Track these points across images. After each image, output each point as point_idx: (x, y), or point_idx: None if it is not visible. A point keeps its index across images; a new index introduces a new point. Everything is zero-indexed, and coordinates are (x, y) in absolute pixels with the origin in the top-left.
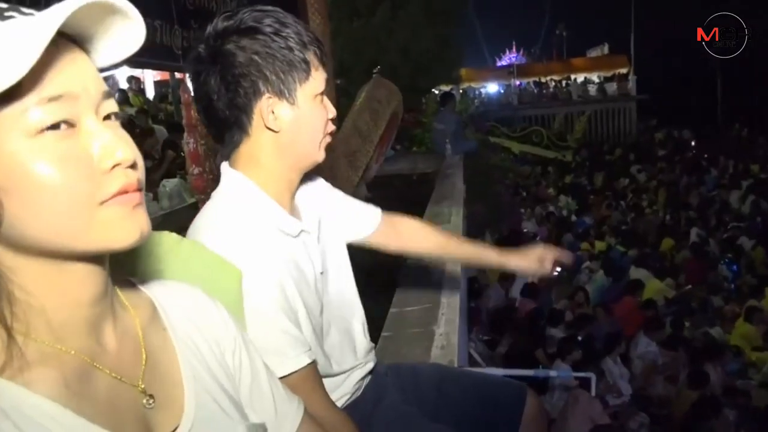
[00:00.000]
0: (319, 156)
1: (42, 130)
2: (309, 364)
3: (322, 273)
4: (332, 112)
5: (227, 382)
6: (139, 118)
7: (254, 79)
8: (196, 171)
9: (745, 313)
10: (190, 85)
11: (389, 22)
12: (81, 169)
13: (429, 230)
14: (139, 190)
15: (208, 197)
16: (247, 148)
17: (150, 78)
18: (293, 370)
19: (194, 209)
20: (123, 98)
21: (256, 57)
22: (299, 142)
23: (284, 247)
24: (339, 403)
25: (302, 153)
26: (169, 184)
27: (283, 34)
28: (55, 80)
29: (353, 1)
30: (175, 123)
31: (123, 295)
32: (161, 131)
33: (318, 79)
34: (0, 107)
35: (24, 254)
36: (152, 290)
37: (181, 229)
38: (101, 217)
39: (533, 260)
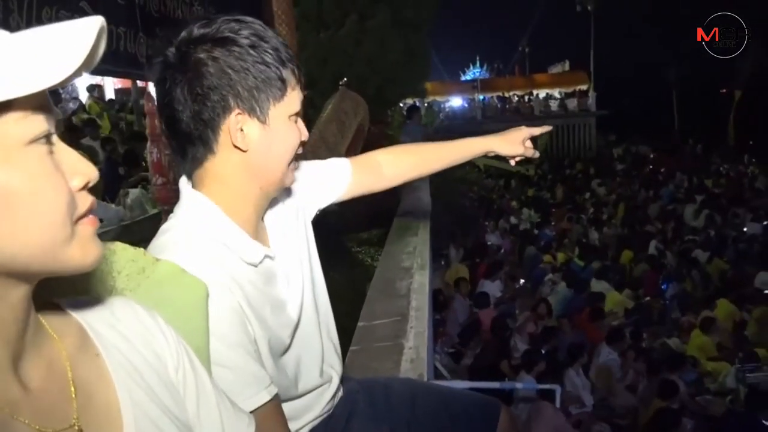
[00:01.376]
0: (288, 179)
1: (32, 141)
2: (269, 401)
3: (285, 297)
4: (304, 136)
5: (171, 401)
6: (89, 127)
7: (224, 93)
8: (159, 181)
9: (700, 324)
10: (154, 93)
11: (357, 34)
12: (62, 184)
13: (404, 154)
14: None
15: (171, 208)
16: (211, 166)
17: (110, 86)
18: (253, 408)
19: (156, 219)
20: (79, 106)
21: (229, 70)
22: (268, 163)
23: (244, 276)
24: (311, 424)
25: (270, 174)
26: (131, 194)
27: (261, 48)
28: (40, 93)
29: (320, 12)
30: (135, 132)
31: (47, 323)
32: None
33: (294, 99)
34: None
35: None
36: (81, 312)
37: (143, 240)
38: (78, 235)
39: (516, 143)
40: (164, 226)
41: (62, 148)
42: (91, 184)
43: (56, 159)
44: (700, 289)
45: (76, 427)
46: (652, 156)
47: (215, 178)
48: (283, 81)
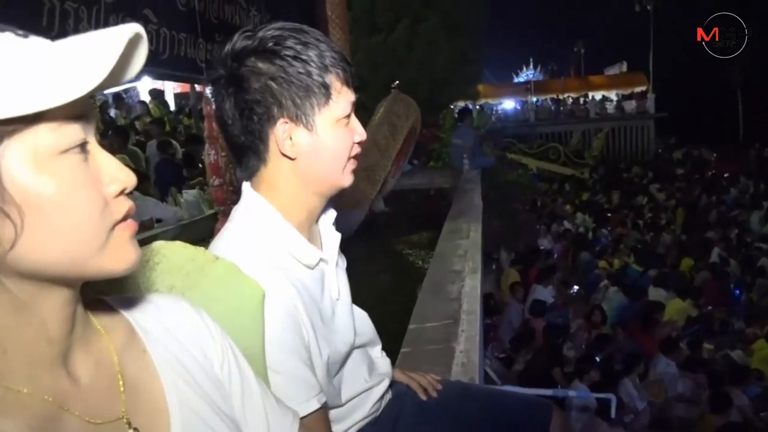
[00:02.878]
0: (344, 181)
1: (66, 150)
2: (318, 409)
3: (338, 299)
4: (360, 135)
5: (217, 396)
6: (152, 129)
7: (268, 105)
8: (216, 182)
9: (766, 335)
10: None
11: (408, 37)
12: (97, 192)
13: None
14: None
15: (228, 208)
16: (265, 174)
17: (170, 90)
18: (302, 416)
19: (213, 220)
20: (144, 110)
21: (271, 82)
22: (319, 168)
23: (300, 279)
24: (358, 425)
25: (323, 179)
26: (188, 195)
27: (303, 57)
28: (78, 100)
29: (373, 16)
30: (193, 135)
31: (96, 320)
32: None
33: (340, 102)
34: (32, 125)
35: (5, 282)
36: (129, 309)
37: (199, 240)
38: (112, 241)
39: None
40: (225, 227)
41: (99, 155)
42: (128, 191)
43: (92, 167)
44: (766, 300)
45: (125, 420)
46: (714, 159)
47: (270, 184)
48: (326, 87)
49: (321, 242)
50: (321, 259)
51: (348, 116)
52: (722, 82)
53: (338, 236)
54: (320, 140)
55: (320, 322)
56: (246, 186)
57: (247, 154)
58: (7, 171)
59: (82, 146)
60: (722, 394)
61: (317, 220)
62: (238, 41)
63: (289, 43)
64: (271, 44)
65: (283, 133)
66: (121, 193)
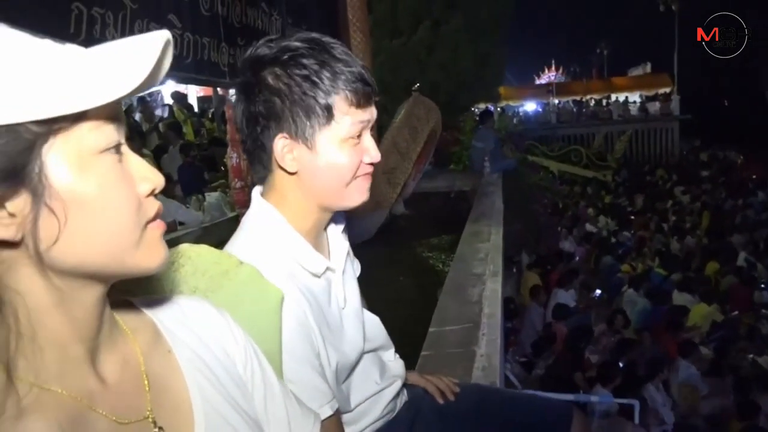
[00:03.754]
0: (348, 201)
1: (104, 150)
2: (332, 415)
3: (344, 308)
4: (371, 157)
5: (240, 396)
6: (170, 134)
7: (269, 119)
8: (238, 185)
9: None
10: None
11: (430, 39)
12: (132, 191)
13: None
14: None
15: None
16: (271, 181)
17: (193, 93)
18: None
19: (235, 222)
20: (169, 113)
21: (275, 98)
22: (320, 185)
23: (308, 286)
24: (372, 427)
25: (325, 196)
26: (210, 198)
27: (314, 78)
28: (113, 103)
29: (395, 19)
30: (215, 138)
31: (122, 320)
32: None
33: (345, 123)
34: (75, 124)
35: (48, 278)
36: (154, 310)
37: (221, 243)
38: (145, 239)
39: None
40: (235, 235)
41: (131, 156)
42: (157, 191)
43: (125, 167)
44: None
45: (150, 419)
46: (740, 161)
47: (277, 192)
48: (329, 109)
49: (329, 250)
50: (328, 268)
51: (358, 136)
52: (749, 83)
53: (347, 245)
54: (320, 158)
55: (327, 330)
56: (255, 192)
57: (254, 160)
58: (52, 168)
59: (117, 147)
60: (750, 402)
61: (326, 228)
62: (258, 49)
63: (305, 61)
64: (286, 58)
65: (282, 148)
66: (152, 192)
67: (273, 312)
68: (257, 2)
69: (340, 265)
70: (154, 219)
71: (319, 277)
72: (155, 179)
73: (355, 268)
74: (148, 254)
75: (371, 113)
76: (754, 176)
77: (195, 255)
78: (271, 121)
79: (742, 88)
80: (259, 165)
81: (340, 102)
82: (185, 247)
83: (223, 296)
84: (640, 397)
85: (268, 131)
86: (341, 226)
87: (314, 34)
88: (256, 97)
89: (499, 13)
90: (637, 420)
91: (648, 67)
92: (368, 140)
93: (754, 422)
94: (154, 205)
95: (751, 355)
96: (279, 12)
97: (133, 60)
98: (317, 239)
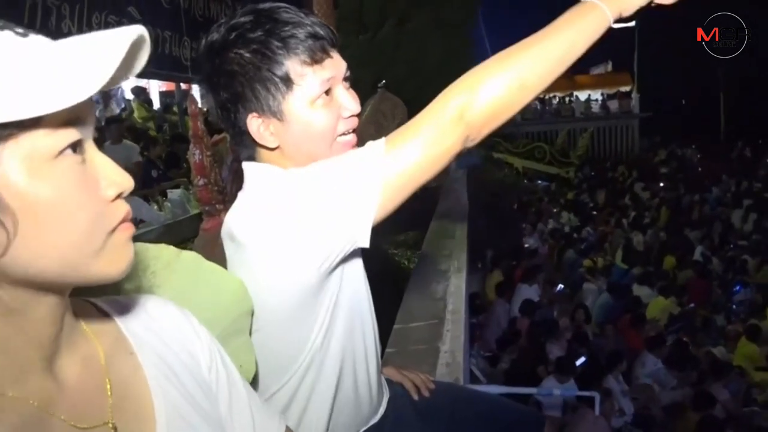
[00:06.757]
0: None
1: (60, 153)
2: None
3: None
4: (348, 110)
5: (204, 399)
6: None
7: (236, 102)
8: (201, 182)
9: (746, 332)
10: (196, 95)
11: (396, 36)
12: (94, 195)
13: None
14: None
15: (212, 208)
16: (260, 159)
17: (155, 88)
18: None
19: (198, 220)
20: (129, 109)
21: (234, 81)
22: (305, 152)
23: None
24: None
25: (313, 157)
26: (173, 195)
27: (263, 50)
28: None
29: (361, 15)
30: (178, 134)
31: (84, 323)
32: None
33: (307, 84)
34: (29, 129)
35: (1, 290)
36: (117, 312)
37: (184, 240)
38: (109, 246)
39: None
40: (240, 199)
41: (96, 157)
42: (125, 194)
43: (88, 169)
44: (749, 297)
45: (110, 425)
46: (698, 159)
47: (269, 163)
48: (285, 76)
49: None
50: None
51: (327, 92)
52: (705, 82)
53: None
54: (296, 126)
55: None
56: (247, 164)
57: (239, 144)
58: (1, 176)
59: (78, 147)
60: (705, 393)
61: None
62: (209, 37)
63: (251, 35)
64: (233, 38)
65: (258, 127)
66: (119, 196)
67: (225, 293)
68: None
69: None
70: (122, 222)
71: None
72: (123, 182)
73: None
74: (111, 261)
75: (335, 67)
76: (708, 173)
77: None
78: (238, 104)
79: (698, 88)
80: (245, 148)
81: (294, 65)
82: None
83: (169, 289)
84: (600, 389)
85: (239, 115)
86: None
87: (260, 5)
88: (218, 85)
89: (466, 10)
90: (597, 411)
91: (609, 66)
92: (341, 94)
93: (710, 413)
94: (121, 209)
95: (707, 347)
96: (243, 6)
97: (97, 60)
98: None
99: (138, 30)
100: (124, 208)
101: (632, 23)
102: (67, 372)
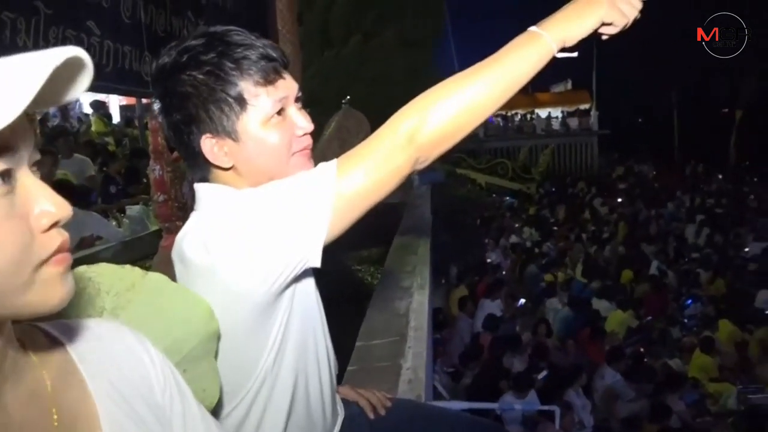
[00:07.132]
0: (293, 172)
1: None
2: None
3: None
4: (302, 128)
5: (156, 425)
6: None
7: (189, 123)
8: (161, 198)
9: (700, 344)
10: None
11: (361, 52)
12: (22, 226)
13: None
14: (70, 249)
15: (172, 225)
16: (215, 180)
17: (116, 103)
18: None
19: (157, 237)
20: (87, 123)
21: (187, 102)
22: (260, 171)
23: None
24: None
25: (269, 176)
26: (132, 211)
27: (216, 72)
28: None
29: (326, 31)
30: (137, 149)
31: (30, 348)
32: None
33: (261, 103)
34: None
35: None
36: (66, 336)
37: (144, 257)
38: (39, 279)
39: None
40: (192, 220)
41: (30, 183)
42: (62, 223)
43: (18, 198)
44: (701, 310)
45: None
46: (653, 175)
47: (225, 184)
48: (239, 96)
49: None
50: None
51: (280, 112)
52: (661, 101)
53: None
54: (249, 146)
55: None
56: (199, 184)
57: (192, 166)
58: None
59: (6, 176)
60: (662, 405)
61: None
62: (161, 59)
63: (204, 57)
64: (185, 60)
65: (212, 148)
66: (53, 225)
67: (193, 315)
68: (182, 11)
69: None
70: (55, 254)
71: None
72: (58, 212)
73: None
74: (43, 294)
75: (287, 87)
76: (665, 189)
77: (96, 275)
78: (192, 125)
79: (653, 107)
80: (198, 169)
81: (248, 86)
82: (83, 270)
83: (133, 312)
84: (560, 402)
85: (192, 136)
86: None
87: (212, 28)
88: (170, 107)
89: (431, 28)
90: (558, 425)
91: (569, 84)
92: (294, 113)
93: (666, 424)
94: (54, 240)
95: (664, 359)
96: (205, 22)
97: (13, 88)
98: None
99: (68, 52)
100: (58, 239)
101: (575, 53)
102: (11, 403)
